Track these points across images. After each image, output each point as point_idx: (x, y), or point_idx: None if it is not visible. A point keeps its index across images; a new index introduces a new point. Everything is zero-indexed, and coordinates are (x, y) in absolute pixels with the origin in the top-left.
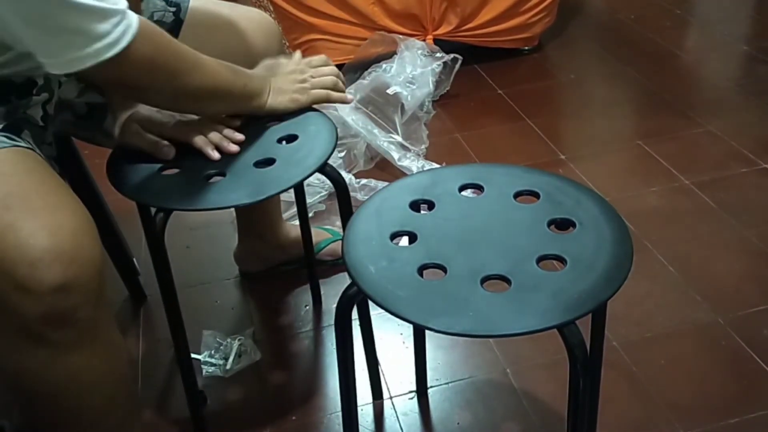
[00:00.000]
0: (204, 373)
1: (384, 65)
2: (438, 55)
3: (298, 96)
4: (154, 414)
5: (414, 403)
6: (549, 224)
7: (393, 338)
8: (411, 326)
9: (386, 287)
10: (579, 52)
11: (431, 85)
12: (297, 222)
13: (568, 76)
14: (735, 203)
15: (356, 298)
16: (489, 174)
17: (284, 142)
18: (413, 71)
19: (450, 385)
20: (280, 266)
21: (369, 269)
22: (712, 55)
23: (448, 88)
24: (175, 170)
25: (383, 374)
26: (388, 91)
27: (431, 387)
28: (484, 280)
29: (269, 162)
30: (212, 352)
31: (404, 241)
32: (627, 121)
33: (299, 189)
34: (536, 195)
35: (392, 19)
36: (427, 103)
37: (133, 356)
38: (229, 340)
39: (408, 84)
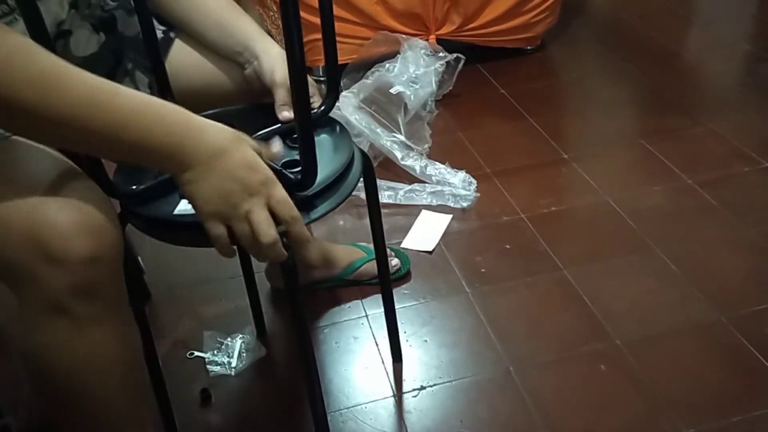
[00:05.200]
0: (210, 374)
1: (387, 65)
2: (441, 54)
3: (222, 216)
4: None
5: (417, 401)
6: None
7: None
8: (413, 325)
9: None
10: (581, 52)
11: (434, 85)
12: None
13: (570, 75)
14: (737, 202)
15: None
16: None
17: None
18: (416, 71)
19: (453, 383)
20: (313, 285)
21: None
22: (714, 54)
23: (450, 88)
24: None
25: (387, 372)
26: (391, 90)
27: (435, 385)
28: None
29: None
30: (215, 351)
31: None
32: (630, 120)
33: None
34: None
35: (395, 19)
36: (430, 103)
37: None
38: (230, 339)
39: (411, 83)
